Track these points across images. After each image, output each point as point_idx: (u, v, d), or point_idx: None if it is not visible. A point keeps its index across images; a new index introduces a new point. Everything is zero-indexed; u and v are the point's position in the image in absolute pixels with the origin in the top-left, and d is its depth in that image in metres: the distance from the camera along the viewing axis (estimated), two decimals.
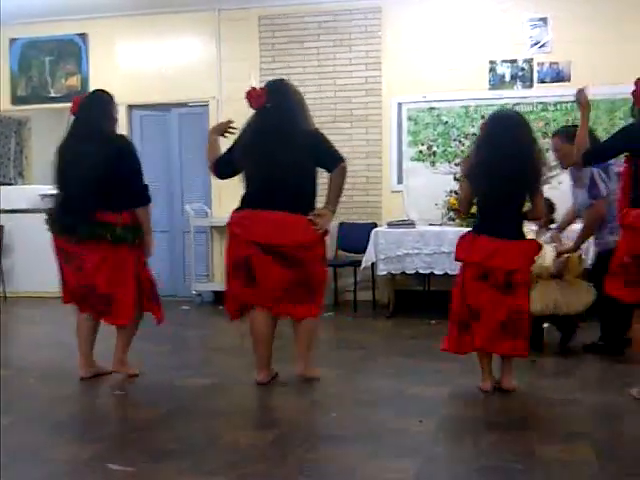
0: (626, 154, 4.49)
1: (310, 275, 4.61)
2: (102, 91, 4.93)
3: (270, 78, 8.19)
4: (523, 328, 4.44)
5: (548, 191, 7.42)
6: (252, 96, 4.65)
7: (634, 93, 4.38)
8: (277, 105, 4.61)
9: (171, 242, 8.88)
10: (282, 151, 4.51)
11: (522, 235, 4.50)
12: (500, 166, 4.33)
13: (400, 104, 8.07)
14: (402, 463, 3.32)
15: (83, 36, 8.86)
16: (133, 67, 8.76)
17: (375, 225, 7.80)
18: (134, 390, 4.72)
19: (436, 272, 7.02)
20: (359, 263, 7.45)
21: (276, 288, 4.56)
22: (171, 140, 8.79)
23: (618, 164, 5.00)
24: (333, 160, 4.71)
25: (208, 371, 5.08)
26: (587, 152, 4.50)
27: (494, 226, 4.41)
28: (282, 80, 4.86)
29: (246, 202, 4.63)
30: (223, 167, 4.79)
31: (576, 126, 4.82)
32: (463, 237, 4.55)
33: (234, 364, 5.27)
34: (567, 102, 7.45)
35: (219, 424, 3.98)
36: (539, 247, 4.58)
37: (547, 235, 5.63)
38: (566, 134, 5.28)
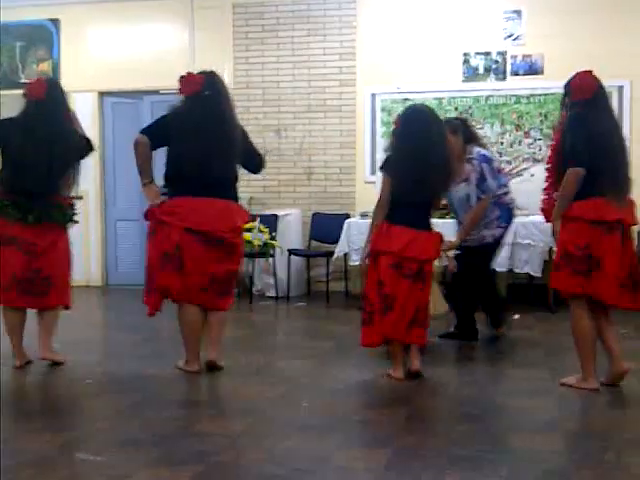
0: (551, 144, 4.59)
1: (236, 266, 4.74)
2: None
3: (244, 67, 8.35)
4: (426, 317, 4.62)
5: (521, 184, 7.56)
6: (188, 81, 4.63)
7: (573, 86, 4.37)
8: (217, 93, 4.65)
9: (142, 231, 8.76)
10: (225, 139, 4.57)
11: (431, 226, 4.64)
12: (418, 158, 4.47)
13: (374, 95, 8.07)
14: (373, 452, 3.33)
15: (55, 22, 8.74)
16: (105, 54, 8.66)
17: (348, 216, 7.80)
18: (104, 379, 4.68)
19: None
20: (332, 254, 7.46)
21: (205, 279, 4.58)
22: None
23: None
24: (257, 157, 4.86)
25: (178, 361, 5.03)
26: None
27: (408, 216, 4.52)
28: (214, 72, 4.80)
29: (180, 189, 4.60)
30: (155, 141, 4.72)
31: (458, 118, 5.50)
32: (378, 230, 4.57)
33: (205, 353, 5.23)
34: (540, 95, 7.48)
35: (189, 413, 3.97)
36: (442, 239, 4.71)
37: None
38: (450, 127, 5.12)
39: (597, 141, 4.25)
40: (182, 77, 4.66)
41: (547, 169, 4.54)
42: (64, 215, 4.87)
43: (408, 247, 4.47)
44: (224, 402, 4.27)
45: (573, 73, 4.58)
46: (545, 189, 4.53)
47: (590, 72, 4.45)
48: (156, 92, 8.52)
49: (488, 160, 5.42)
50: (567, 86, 4.44)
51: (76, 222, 5.02)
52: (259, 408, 4.02)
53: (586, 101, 4.33)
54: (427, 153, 4.49)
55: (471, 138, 5.46)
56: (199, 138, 4.53)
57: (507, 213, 5.55)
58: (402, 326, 4.49)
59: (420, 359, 4.62)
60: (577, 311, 4.33)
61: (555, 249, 4.55)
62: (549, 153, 4.58)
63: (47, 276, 4.79)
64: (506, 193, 5.54)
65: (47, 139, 4.67)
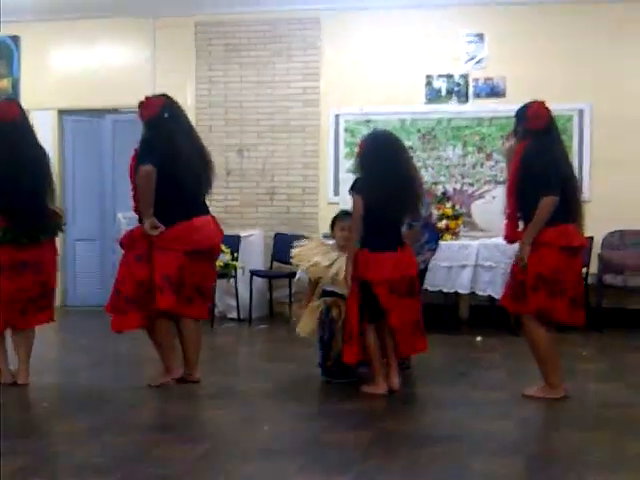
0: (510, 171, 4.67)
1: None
2: None
3: (207, 86, 8.31)
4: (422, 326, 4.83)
5: (483, 206, 7.62)
6: (149, 105, 4.84)
7: (529, 114, 4.54)
8: (181, 116, 4.94)
9: (101, 251, 8.70)
10: (202, 155, 4.93)
11: (403, 240, 4.81)
12: (390, 177, 4.63)
13: (337, 116, 8.07)
14: (335, 477, 3.29)
15: (15, 39, 8.63)
16: (66, 72, 8.56)
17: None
18: (62, 402, 4.59)
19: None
20: (294, 275, 7.41)
21: (194, 291, 4.87)
22: (104, 147, 8.63)
23: None
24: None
25: (138, 383, 4.96)
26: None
27: (385, 239, 4.68)
28: (166, 94, 5.01)
29: (177, 214, 4.75)
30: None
31: None
32: (361, 257, 4.62)
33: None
34: (502, 117, 7.54)
35: (148, 437, 3.89)
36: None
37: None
38: None
39: (562, 169, 4.52)
40: (141, 102, 4.87)
41: (507, 195, 4.64)
42: (57, 225, 5.01)
43: (396, 269, 4.61)
44: (184, 426, 4.18)
45: (533, 97, 4.74)
46: (507, 215, 4.65)
47: (543, 102, 4.66)
48: (117, 111, 8.45)
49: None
50: (521, 114, 4.65)
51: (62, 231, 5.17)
52: (219, 432, 3.97)
53: (542, 130, 4.59)
54: (398, 172, 4.67)
55: None
56: (190, 160, 4.77)
57: (434, 235, 5.49)
58: (410, 340, 4.73)
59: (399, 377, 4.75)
60: (532, 324, 4.53)
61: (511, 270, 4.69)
62: (507, 178, 4.68)
63: (51, 289, 5.00)
64: (430, 214, 5.46)
65: (30, 158, 4.84)
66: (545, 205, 4.38)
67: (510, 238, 4.66)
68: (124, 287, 4.77)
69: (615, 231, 7.49)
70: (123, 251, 4.95)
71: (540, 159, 4.46)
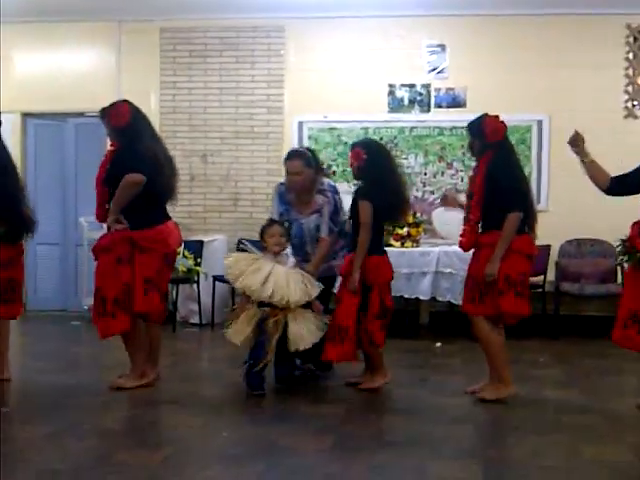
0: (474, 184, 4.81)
1: None
2: None
3: (171, 92, 8.31)
4: None
5: (443, 213, 7.71)
6: (119, 112, 4.90)
7: (487, 129, 4.69)
8: (148, 121, 5.04)
9: (63, 255, 8.65)
10: (170, 159, 5.08)
11: None
12: (391, 184, 4.98)
13: (301, 123, 8.13)
14: None
15: None
16: (30, 75, 8.48)
17: None
18: (22, 407, 4.57)
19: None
20: None
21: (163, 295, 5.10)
22: (66, 150, 8.58)
23: None
24: None
25: (99, 389, 4.94)
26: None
27: (381, 243, 5.13)
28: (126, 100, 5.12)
29: (155, 217, 4.90)
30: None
31: (308, 149, 5.56)
32: (373, 261, 4.88)
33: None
34: (462, 127, 7.60)
35: (109, 443, 3.89)
36: None
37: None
38: (304, 158, 5.17)
39: (524, 184, 4.83)
40: (110, 109, 4.91)
41: (471, 206, 4.76)
42: (33, 227, 5.12)
43: (390, 271, 5.05)
44: (144, 432, 4.19)
45: (493, 107, 4.88)
46: (468, 224, 4.78)
47: (496, 115, 4.79)
48: (81, 115, 8.41)
49: (337, 191, 5.37)
50: (478, 129, 4.77)
51: None
52: (179, 437, 3.97)
53: (500, 142, 4.69)
54: (397, 177, 5.08)
55: (319, 168, 5.31)
56: (164, 166, 4.91)
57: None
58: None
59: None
60: (485, 325, 4.73)
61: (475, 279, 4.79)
62: (473, 190, 4.76)
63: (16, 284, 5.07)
64: (345, 222, 5.35)
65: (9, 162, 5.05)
66: (512, 221, 4.60)
67: (468, 247, 4.82)
68: (109, 291, 4.78)
69: (572, 240, 7.64)
70: (97, 257, 4.92)
71: (507, 175, 4.69)
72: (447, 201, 7.73)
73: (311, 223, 5.20)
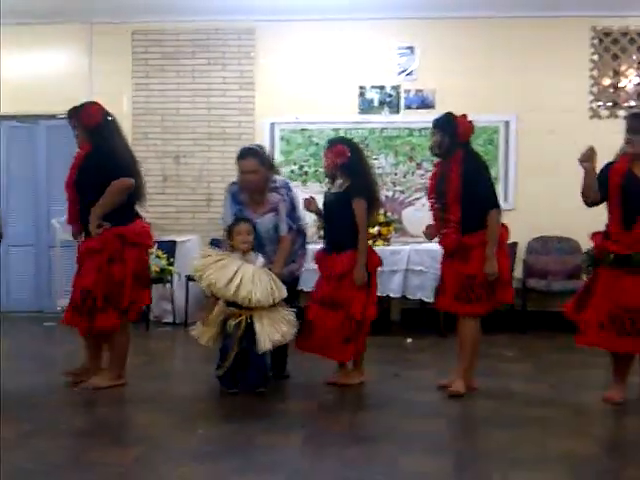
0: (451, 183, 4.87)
1: None
2: None
3: (144, 93, 8.33)
4: None
5: (414, 213, 7.82)
6: (90, 112, 4.93)
7: (460, 127, 4.80)
8: (117, 122, 5.08)
9: (36, 257, 8.63)
10: (138, 167, 5.12)
11: None
12: (375, 180, 5.26)
13: (273, 124, 8.19)
14: (269, 477, 3.38)
15: None
16: (1, 77, 8.45)
17: None
18: None
19: (305, 289, 7.10)
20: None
21: None
22: (38, 152, 8.57)
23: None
24: None
25: (71, 388, 4.96)
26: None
27: None
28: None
29: (133, 213, 5.03)
30: None
31: (259, 146, 5.36)
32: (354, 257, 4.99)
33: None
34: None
35: (82, 442, 3.92)
36: None
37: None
38: (258, 156, 5.06)
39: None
40: (81, 110, 4.93)
41: (449, 206, 4.80)
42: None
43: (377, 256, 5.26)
44: (118, 430, 4.23)
45: (461, 108, 4.94)
46: (449, 224, 4.83)
47: (465, 115, 4.89)
48: (53, 117, 8.39)
49: (290, 188, 5.29)
50: (449, 127, 4.81)
51: None
52: (154, 436, 3.99)
53: (467, 142, 4.88)
54: (374, 174, 5.34)
55: (270, 166, 5.19)
56: (136, 163, 5.06)
57: (304, 239, 5.43)
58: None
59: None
60: (475, 324, 4.88)
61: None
62: (447, 189, 4.80)
63: None
64: (299, 218, 5.33)
65: None
66: (495, 218, 4.75)
67: (454, 248, 4.86)
68: (100, 291, 4.80)
69: (539, 237, 7.79)
70: (83, 260, 4.92)
71: (483, 174, 4.85)
72: None
73: (267, 223, 5.06)
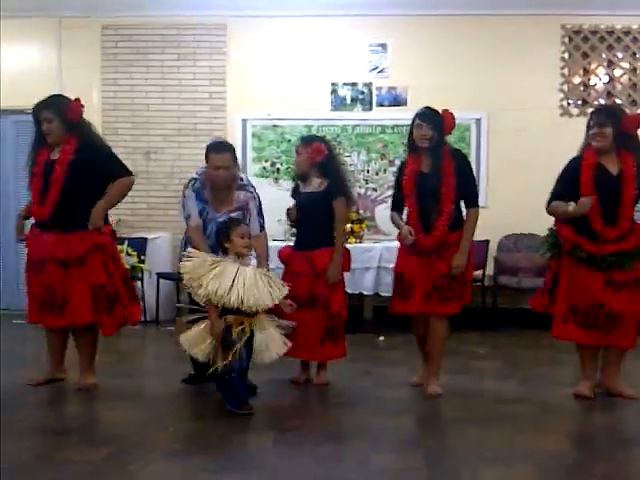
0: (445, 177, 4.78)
1: None
2: None
3: (113, 89, 8.26)
4: None
5: (386, 210, 7.80)
6: (75, 107, 4.88)
7: (444, 121, 4.74)
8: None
9: (4, 253, 8.52)
10: None
11: None
12: (350, 184, 5.26)
13: (245, 120, 8.15)
14: (240, 475, 3.36)
15: None
16: None
17: None
18: None
19: None
20: None
21: None
22: (6, 147, 8.46)
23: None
24: None
25: (40, 387, 4.91)
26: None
27: None
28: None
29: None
30: None
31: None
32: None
33: (66, 379, 5.12)
34: (404, 125, 7.74)
35: (50, 441, 3.87)
36: None
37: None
38: (231, 153, 4.81)
39: None
40: (64, 104, 4.84)
41: (442, 202, 4.69)
42: None
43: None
44: (87, 429, 4.18)
45: (434, 106, 4.89)
46: (441, 220, 4.71)
47: (448, 110, 4.83)
48: (21, 112, 8.27)
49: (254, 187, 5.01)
50: (438, 121, 4.71)
51: None
52: (124, 434, 3.96)
53: (445, 137, 4.76)
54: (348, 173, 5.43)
55: (236, 163, 4.94)
56: None
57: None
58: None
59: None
60: (447, 324, 4.86)
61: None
62: (440, 185, 4.68)
63: None
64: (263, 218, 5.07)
65: None
66: (476, 217, 4.78)
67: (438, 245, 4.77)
68: (117, 286, 4.85)
69: (510, 235, 7.84)
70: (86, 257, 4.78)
71: (472, 172, 4.87)
72: None
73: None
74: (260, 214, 4.91)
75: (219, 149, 4.79)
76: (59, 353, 5.04)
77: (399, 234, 4.85)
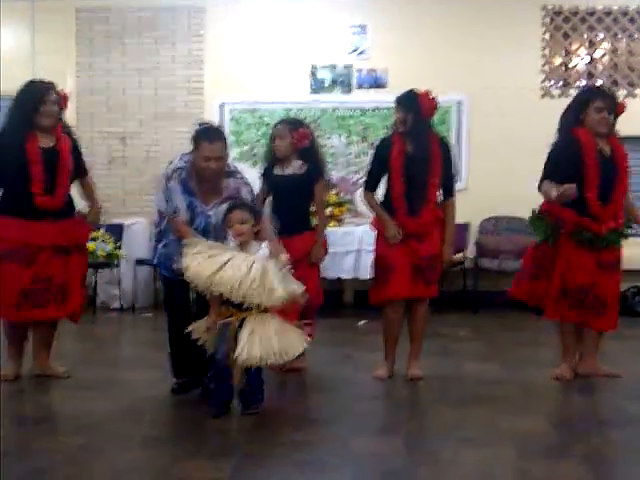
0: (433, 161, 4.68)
1: None
2: None
3: (88, 73, 8.14)
4: None
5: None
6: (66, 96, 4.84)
7: (424, 104, 4.61)
8: None
9: None
10: None
11: None
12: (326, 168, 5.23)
13: (223, 104, 8.07)
14: (219, 462, 3.31)
15: None
16: None
17: None
18: None
19: None
20: None
21: None
22: None
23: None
24: None
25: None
26: None
27: None
28: None
29: None
30: None
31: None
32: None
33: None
34: (384, 108, 7.70)
35: (26, 430, 3.81)
36: None
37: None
38: (224, 139, 4.39)
39: None
40: (59, 91, 4.70)
41: (431, 186, 4.62)
42: None
43: None
44: (63, 417, 4.13)
45: (415, 87, 4.82)
46: (429, 204, 4.65)
47: (428, 92, 4.70)
48: None
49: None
50: (413, 104, 4.62)
51: None
52: (100, 422, 3.91)
53: (430, 121, 4.68)
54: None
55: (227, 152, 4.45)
56: None
57: None
58: None
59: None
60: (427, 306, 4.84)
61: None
62: (429, 168, 4.59)
63: None
64: None
65: None
66: (454, 206, 4.76)
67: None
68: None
69: (490, 217, 7.83)
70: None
71: (452, 155, 4.77)
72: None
73: (221, 214, 4.17)
74: (254, 201, 4.47)
75: (211, 137, 4.19)
76: (21, 346, 4.80)
77: (377, 221, 4.77)
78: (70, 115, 7.91)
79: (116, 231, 7.55)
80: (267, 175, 5.04)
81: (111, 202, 8.06)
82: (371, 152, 5.03)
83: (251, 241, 3.99)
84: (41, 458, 3.34)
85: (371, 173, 4.85)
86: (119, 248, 7.44)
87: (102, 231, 7.32)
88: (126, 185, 8.16)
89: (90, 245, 7.18)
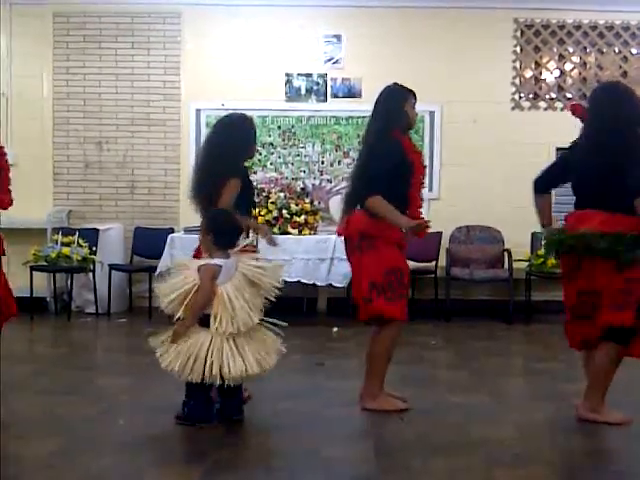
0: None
1: None
2: None
3: (65, 77, 8.14)
4: None
5: (339, 201, 7.83)
6: None
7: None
8: None
9: None
10: None
11: None
12: None
13: (199, 110, 8.10)
14: (188, 468, 3.36)
15: None
16: None
17: (172, 230, 7.76)
18: None
19: None
20: (154, 269, 7.38)
21: None
22: None
23: None
24: None
25: None
26: None
27: None
28: None
29: None
30: None
31: None
32: None
33: (16, 371, 5.03)
34: (358, 117, 7.79)
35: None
36: None
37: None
38: None
39: None
40: None
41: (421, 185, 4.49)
42: None
43: None
44: (37, 422, 4.12)
45: None
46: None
47: None
48: None
49: None
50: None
51: None
52: (74, 427, 3.94)
53: None
54: None
55: None
56: None
57: None
58: None
59: None
60: None
61: None
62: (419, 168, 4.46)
63: None
64: None
65: None
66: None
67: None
68: None
69: (461, 226, 7.90)
70: None
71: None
72: None
73: None
74: None
75: None
76: None
77: (383, 227, 4.25)
78: (46, 119, 8.05)
79: (91, 236, 7.54)
80: None
81: (86, 207, 8.08)
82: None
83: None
84: (11, 464, 3.35)
85: (378, 174, 4.28)
86: (94, 253, 7.44)
87: (77, 236, 7.33)
88: (102, 190, 8.15)
89: (65, 249, 7.23)
